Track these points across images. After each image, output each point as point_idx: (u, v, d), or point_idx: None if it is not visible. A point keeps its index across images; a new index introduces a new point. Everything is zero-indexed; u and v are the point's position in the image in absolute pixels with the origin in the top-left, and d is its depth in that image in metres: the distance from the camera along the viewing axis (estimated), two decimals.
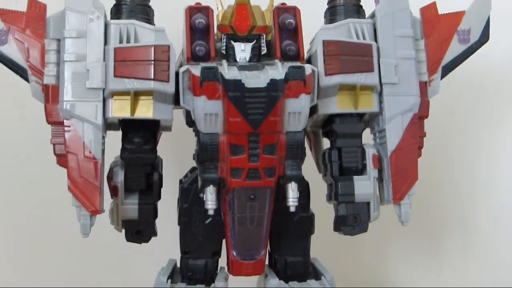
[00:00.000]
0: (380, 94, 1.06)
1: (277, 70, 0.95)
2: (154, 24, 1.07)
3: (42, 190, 1.50)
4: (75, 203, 0.99)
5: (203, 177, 0.98)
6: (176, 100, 1.01)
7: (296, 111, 0.96)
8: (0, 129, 1.54)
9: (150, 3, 1.09)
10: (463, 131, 1.58)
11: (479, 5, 1.12)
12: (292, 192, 1.00)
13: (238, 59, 1.02)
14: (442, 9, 1.12)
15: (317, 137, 1.17)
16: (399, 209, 1.06)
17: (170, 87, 0.99)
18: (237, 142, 0.96)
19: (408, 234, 1.54)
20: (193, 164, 1.04)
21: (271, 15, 1.04)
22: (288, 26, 1.03)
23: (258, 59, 1.03)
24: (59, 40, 1.02)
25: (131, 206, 1.05)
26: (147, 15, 1.07)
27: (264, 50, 1.03)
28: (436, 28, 1.11)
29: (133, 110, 1.00)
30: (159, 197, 1.07)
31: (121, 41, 1.02)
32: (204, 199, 0.99)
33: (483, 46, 1.13)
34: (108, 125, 1.03)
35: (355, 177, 1.05)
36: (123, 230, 1.07)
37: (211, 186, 0.98)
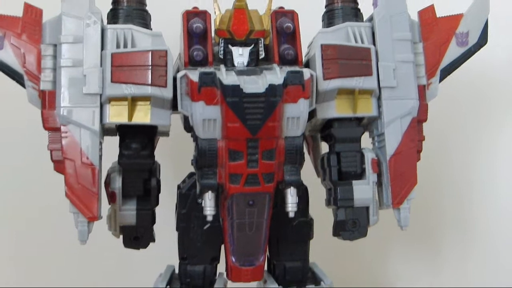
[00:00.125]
0: (379, 98, 1.06)
1: (276, 75, 0.95)
2: (151, 29, 1.07)
3: (42, 192, 1.50)
4: (72, 209, 0.98)
5: (202, 183, 0.98)
6: (174, 105, 1.00)
7: (295, 116, 0.96)
8: None
9: (147, 8, 1.08)
10: (462, 135, 1.58)
11: (477, 8, 1.12)
12: (291, 197, 1.00)
13: (236, 64, 1.01)
14: (440, 12, 1.12)
15: (315, 141, 1.17)
16: (398, 214, 1.06)
17: (167, 93, 0.99)
18: (236, 148, 0.96)
19: (407, 238, 1.53)
20: (191, 169, 1.04)
21: (269, 19, 1.03)
22: (286, 30, 1.03)
23: (256, 64, 1.02)
24: (55, 46, 1.01)
25: (129, 212, 1.04)
26: (144, 20, 1.07)
27: (262, 55, 1.02)
28: (434, 31, 1.11)
29: (130, 116, 0.99)
30: (157, 203, 1.06)
31: (118, 46, 1.01)
32: (203, 205, 0.99)
33: (482, 49, 1.12)
34: (105, 130, 1.03)
35: (354, 181, 1.05)
36: (121, 236, 1.07)
37: (210, 192, 0.98)
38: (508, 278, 1.54)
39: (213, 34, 1.03)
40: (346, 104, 1.05)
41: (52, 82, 1.01)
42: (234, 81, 0.93)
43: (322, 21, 1.13)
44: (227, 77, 0.94)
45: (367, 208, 1.06)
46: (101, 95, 0.99)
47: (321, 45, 1.02)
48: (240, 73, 0.97)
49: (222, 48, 1.02)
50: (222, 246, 1.08)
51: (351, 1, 1.11)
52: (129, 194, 1.04)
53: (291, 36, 1.03)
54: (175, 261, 1.11)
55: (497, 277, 1.56)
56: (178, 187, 1.09)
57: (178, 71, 1.02)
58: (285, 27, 1.03)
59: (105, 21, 1.06)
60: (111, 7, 1.08)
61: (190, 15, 1.03)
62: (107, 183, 1.04)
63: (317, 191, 1.11)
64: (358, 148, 1.07)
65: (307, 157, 1.06)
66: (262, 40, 1.02)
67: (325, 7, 1.13)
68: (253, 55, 1.02)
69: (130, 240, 1.07)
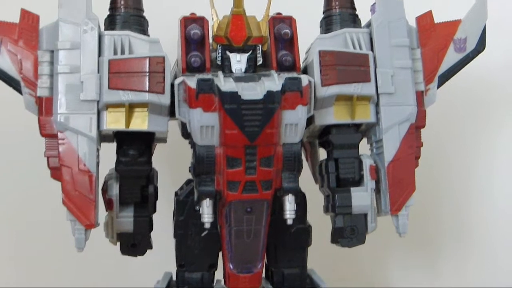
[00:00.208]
0: (377, 104, 1.05)
1: (274, 82, 0.94)
2: (148, 35, 1.06)
3: (42, 192, 1.49)
4: (69, 217, 0.98)
5: (199, 190, 0.97)
6: (171, 111, 1.00)
7: (293, 122, 0.95)
8: None
9: (145, 14, 1.08)
10: (460, 140, 1.58)
11: (475, 14, 1.12)
12: (289, 204, 0.99)
13: (233, 70, 1.01)
14: (438, 18, 1.12)
15: (313, 147, 1.17)
16: (397, 221, 1.05)
17: (165, 99, 0.98)
18: (234, 155, 0.95)
19: (405, 244, 1.53)
20: (189, 176, 1.03)
21: (267, 26, 1.03)
22: (284, 36, 1.03)
23: (254, 70, 1.02)
24: (52, 52, 1.01)
25: (126, 219, 1.04)
26: (141, 26, 1.06)
27: (260, 61, 1.02)
28: (432, 37, 1.11)
29: (128, 122, 0.99)
30: (154, 210, 1.06)
31: (115, 53, 1.01)
32: (200, 212, 0.98)
33: (480, 55, 1.12)
34: (103, 137, 1.02)
35: (352, 188, 1.05)
36: (118, 243, 1.06)
37: (208, 199, 0.97)
38: (507, 283, 1.54)
39: (210, 41, 1.03)
40: (344, 110, 1.04)
41: (49, 88, 1.00)
42: (232, 88, 0.93)
43: (320, 27, 1.13)
44: (225, 84, 0.93)
45: (365, 215, 1.05)
46: (98, 102, 0.98)
47: (319, 51, 1.02)
48: (238, 79, 0.96)
49: (220, 55, 1.01)
50: (220, 253, 1.08)
51: (349, 7, 1.11)
52: (126, 201, 1.04)
53: (289, 42, 1.03)
54: (172, 268, 1.11)
55: (496, 281, 1.56)
56: (176, 194, 1.09)
57: (175, 77, 1.01)
58: (283, 33, 1.03)
59: (102, 27, 1.05)
60: (108, 13, 1.07)
61: (188, 21, 1.02)
62: (104, 190, 1.03)
63: (315, 197, 1.11)
64: (356, 154, 1.06)
65: (305, 163, 1.06)
66: (260, 46, 1.02)
67: (323, 13, 1.12)
68: (251, 62, 1.01)
69: (127, 247, 1.06)
